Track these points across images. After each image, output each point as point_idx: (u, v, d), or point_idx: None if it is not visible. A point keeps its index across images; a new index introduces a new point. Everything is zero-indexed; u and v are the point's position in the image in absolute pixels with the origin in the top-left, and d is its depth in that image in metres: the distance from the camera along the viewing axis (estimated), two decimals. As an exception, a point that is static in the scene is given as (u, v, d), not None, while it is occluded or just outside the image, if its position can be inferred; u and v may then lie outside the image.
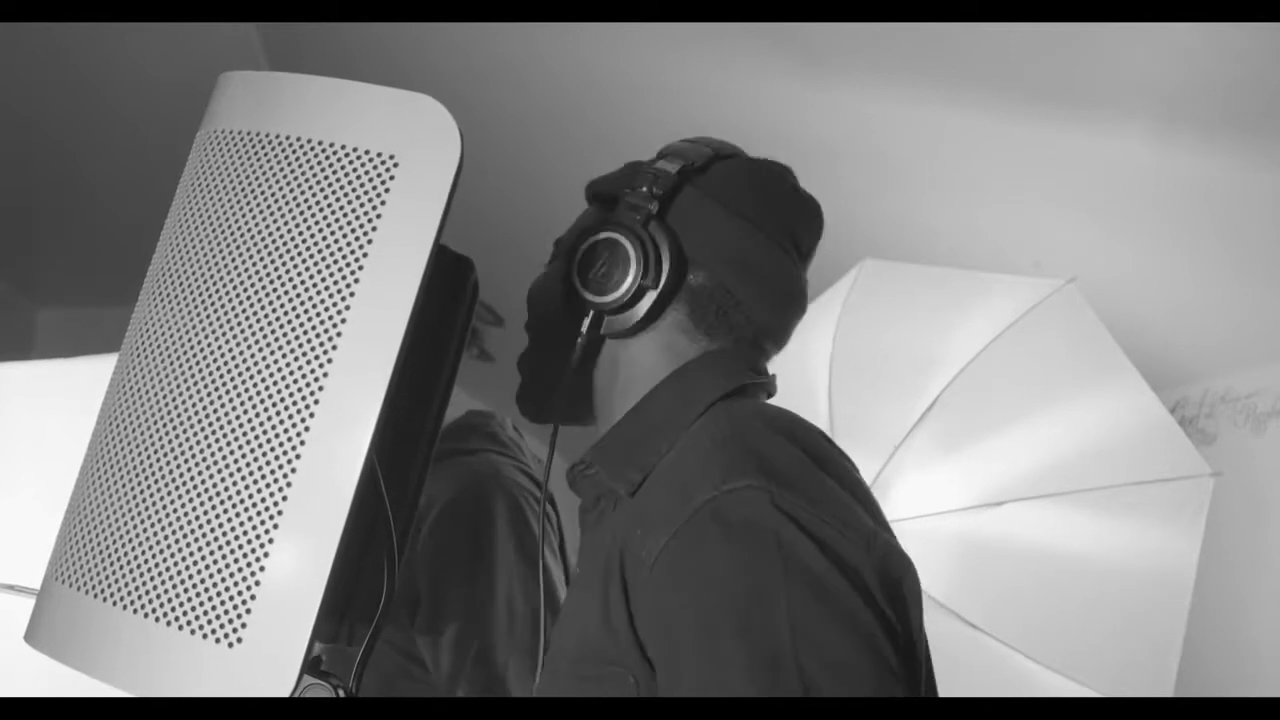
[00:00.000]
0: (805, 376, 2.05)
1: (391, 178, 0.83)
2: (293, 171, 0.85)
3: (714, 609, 0.83)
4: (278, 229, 0.85)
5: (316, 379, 0.81)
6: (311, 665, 0.82)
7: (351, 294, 0.82)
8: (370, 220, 0.83)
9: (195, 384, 0.84)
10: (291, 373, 0.82)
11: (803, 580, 0.83)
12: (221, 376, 0.83)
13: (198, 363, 0.84)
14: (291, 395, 0.81)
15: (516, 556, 1.48)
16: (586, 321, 1.00)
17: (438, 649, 1.46)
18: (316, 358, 0.81)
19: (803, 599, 0.82)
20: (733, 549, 0.84)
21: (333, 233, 0.83)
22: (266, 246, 0.85)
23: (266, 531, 0.80)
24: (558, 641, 0.97)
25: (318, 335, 0.82)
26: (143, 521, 0.83)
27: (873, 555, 0.87)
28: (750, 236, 1.03)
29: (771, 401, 1.05)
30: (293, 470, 0.80)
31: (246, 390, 0.82)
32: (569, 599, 1.00)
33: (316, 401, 0.81)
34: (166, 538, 0.82)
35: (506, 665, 1.44)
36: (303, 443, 0.80)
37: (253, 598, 0.79)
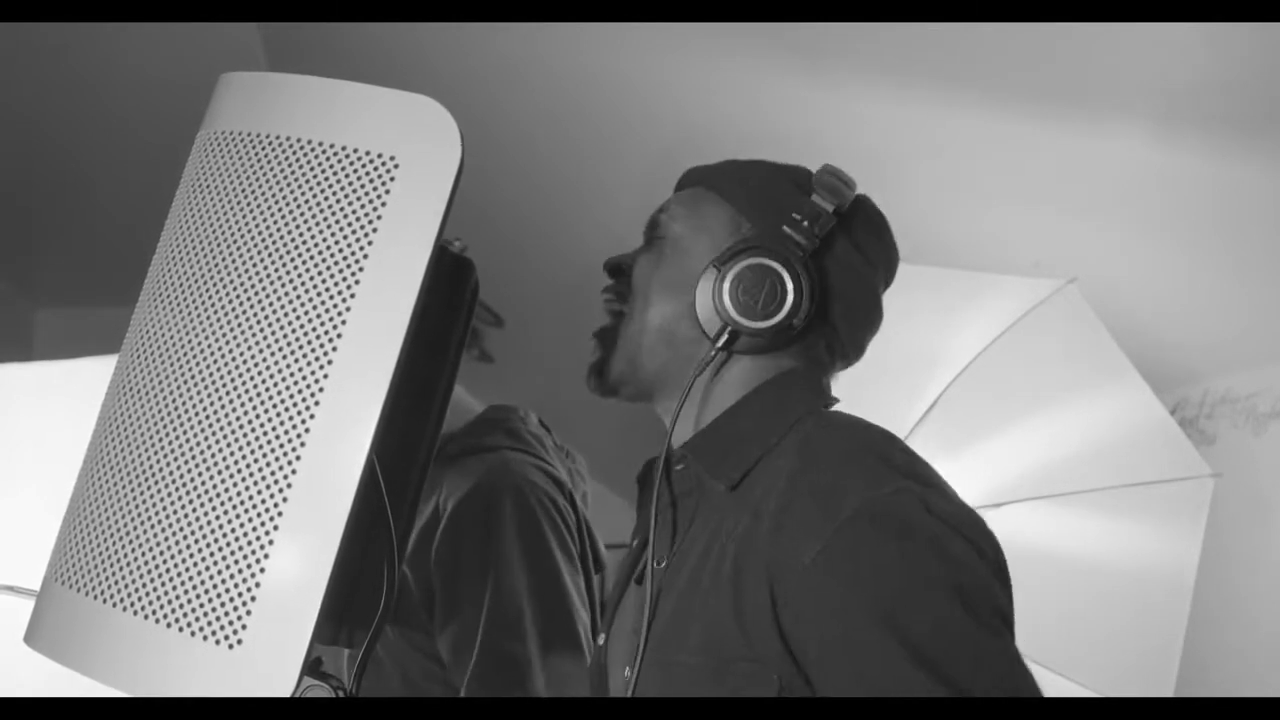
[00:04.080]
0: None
1: (392, 179, 0.83)
2: (293, 173, 0.85)
3: (874, 604, 0.88)
4: (278, 230, 0.85)
5: (317, 380, 0.81)
6: (311, 667, 0.82)
7: (352, 295, 0.82)
8: (371, 221, 0.83)
9: (195, 385, 0.84)
10: (292, 374, 0.81)
11: (958, 576, 0.89)
12: (221, 378, 0.83)
13: (198, 364, 0.84)
14: (292, 396, 0.81)
15: (524, 556, 1.47)
16: (724, 337, 1.04)
17: (453, 648, 1.46)
18: (317, 359, 0.81)
19: (970, 585, 0.89)
20: (890, 548, 0.90)
21: (333, 234, 0.83)
22: (266, 248, 0.85)
23: (267, 533, 0.80)
24: (666, 636, 0.99)
25: (318, 336, 0.82)
26: (143, 523, 0.83)
27: (999, 556, 0.95)
28: (868, 281, 1.10)
29: None
30: (293, 472, 0.80)
31: (246, 391, 0.82)
32: (674, 594, 1.01)
33: (317, 403, 0.81)
34: (166, 539, 0.82)
35: (529, 663, 1.44)
36: (303, 444, 0.80)
37: (253, 599, 0.79)
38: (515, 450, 1.56)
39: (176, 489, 0.82)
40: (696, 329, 1.06)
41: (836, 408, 1.09)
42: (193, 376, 0.84)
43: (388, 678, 1.51)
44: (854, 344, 1.12)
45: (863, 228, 1.11)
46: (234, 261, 0.85)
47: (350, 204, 0.84)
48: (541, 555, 1.48)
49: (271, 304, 0.83)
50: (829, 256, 1.07)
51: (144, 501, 0.83)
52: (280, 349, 0.82)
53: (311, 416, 0.80)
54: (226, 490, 0.81)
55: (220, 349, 0.84)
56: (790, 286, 1.04)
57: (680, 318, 1.08)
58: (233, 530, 0.80)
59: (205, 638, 0.79)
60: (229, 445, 0.82)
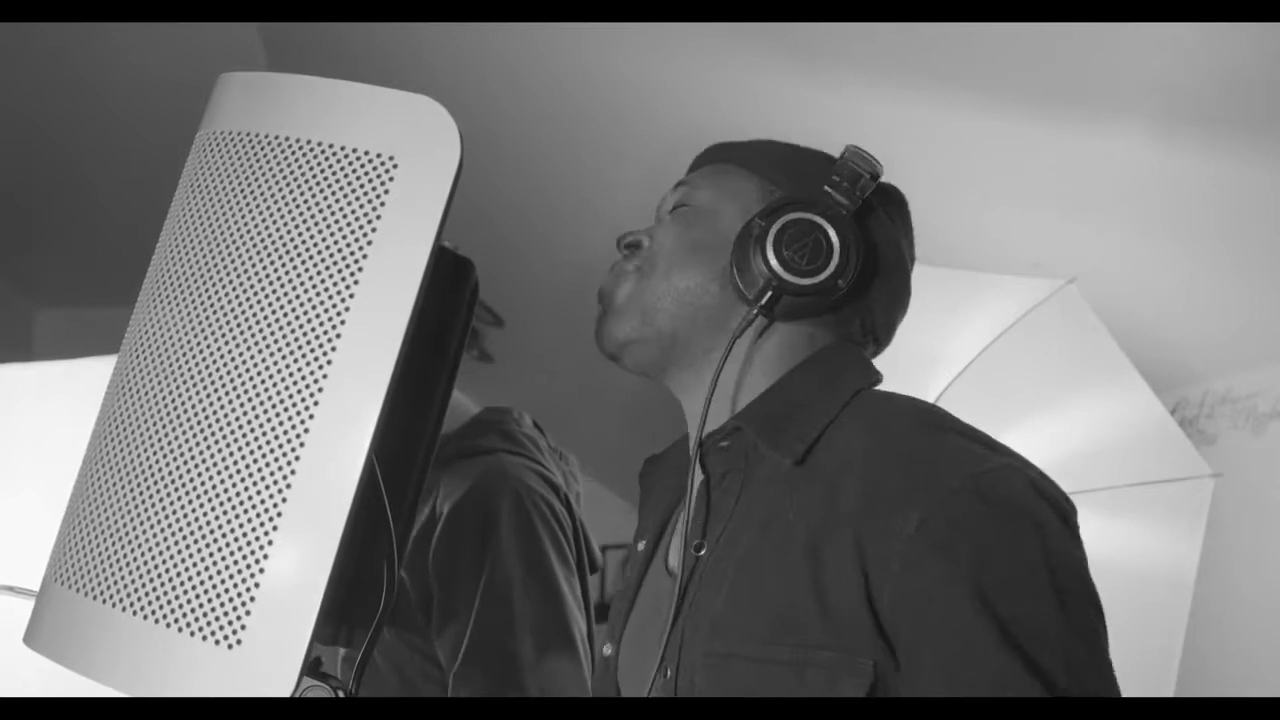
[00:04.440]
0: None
1: (391, 179, 0.83)
2: (292, 172, 0.85)
3: (974, 581, 0.84)
4: (277, 230, 0.85)
5: (316, 380, 0.81)
6: (311, 667, 0.82)
7: (351, 295, 0.82)
8: (370, 221, 0.83)
9: (194, 385, 0.84)
10: (291, 374, 0.81)
11: (1062, 559, 0.86)
12: (221, 378, 0.83)
13: (197, 364, 0.84)
14: (291, 396, 0.81)
15: (519, 558, 1.47)
16: (767, 295, 0.98)
17: (451, 650, 1.46)
18: (316, 359, 0.81)
19: (1066, 577, 0.86)
20: (995, 525, 0.85)
21: (332, 234, 0.83)
22: (266, 247, 0.84)
23: (266, 533, 0.79)
24: (725, 626, 0.92)
25: (317, 336, 0.82)
26: (142, 523, 0.83)
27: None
28: (900, 253, 1.07)
29: None
30: (292, 471, 0.80)
31: (246, 391, 0.82)
32: (725, 581, 0.93)
33: (316, 403, 0.81)
34: (166, 539, 0.82)
35: (521, 662, 1.44)
36: (302, 444, 0.80)
37: (252, 599, 0.79)
38: (511, 453, 1.56)
39: (175, 489, 0.82)
40: (729, 294, 1.01)
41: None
42: (192, 376, 0.84)
43: (383, 678, 1.51)
44: (886, 323, 1.07)
45: (893, 206, 1.07)
46: (233, 261, 0.85)
47: (349, 204, 0.84)
48: (537, 558, 1.48)
49: (271, 304, 0.83)
50: (868, 222, 1.03)
51: (143, 501, 0.83)
52: (279, 349, 0.82)
53: (311, 416, 0.80)
54: (226, 490, 0.81)
55: (219, 349, 0.84)
56: (837, 243, 0.98)
57: (710, 281, 1.01)
58: (232, 530, 0.80)
59: (205, 638, 0.79)
60: (228, 445, 0.82)
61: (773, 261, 0.98)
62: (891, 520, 0.86)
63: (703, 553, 0.97)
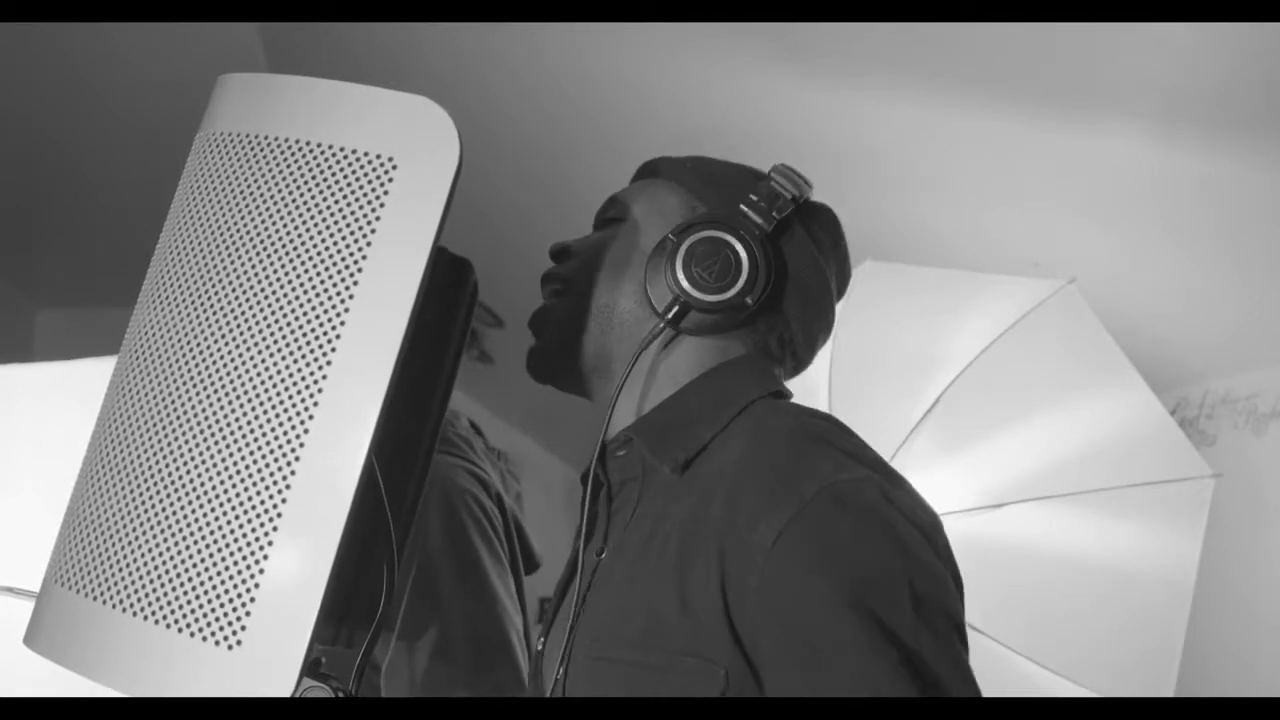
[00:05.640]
0: (805, 377, 2.04)
1: (390, 180, 0.84)
2: (292, 174, 0.85)
3: (835, 589, 0.85)
4: (277, 231, 0.85)
5: (316, 381, 0.81)
6: (311, 668, 0.82)
7: (351, 296, 0.82)
8: (369, 222, 0.83)
9: (194, 386, 0.84)
10: (291, 375, 0.82)
11: (920, 568, 0.88)
12: (221, 379, 0.83)
13: (197, 365, 0.84)
14: (291, 397, 0.81)
15: (449, 557, 1.48)
16: (674, 310, 1.01)
17: (384, 648, 1.46)
18: (316, 360, 0.81)
19: (923, 585, 0.87)
20: (858, 530, 0.88)
21: (332, 235, 0.83)
22: (265, 249, 0.85)
23: (266, 534, 0.80)
24: (602, 629, 0.95)
25: (317, 337, 0.82)
26: (142, 524, 0.83)
27: (953, 557, 0.95)
28: (822, 276, 1.08)
29: None
30: (292, 472, 0.80)
31: (246, 392, 0.82)
32: (612, 585, 0.98)
33: (316, 404, 0.81)
34: (166, 540, 0.82)
35: (457, 661, 1.44)
36: (302, 445, 0.80)
37: (252, 600, 0.79)
38: (441, 453, 1.56)
39: (176, 490, 0.82)
40: (643, 308, 1.04)
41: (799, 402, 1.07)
42: (192, 377, 0.84)
43: None
44: (806, 341, 1.09)
45: (819, 226, 1.09)
46: (233, 262, 0.85)
47: (349, 205, 0.84)
48: (467, 555, 1.48)
49: (271, 305, 0.83)
50: (786, 242, 1.05)
51: (143, 502, 0.83)
52: (279, 350, 0.82)
53: (311, 417, 0.81)
54: (226, 491, 0.81)
55: (219, 350, 0.84)
56: (746, 262, 1.01)
57: (626, 297, 1.05)
58: (232, 531, 0.80)
59: (205, 638, 0.79)
60: (228, 446, 0.82)
61: (680, 277, 1.01)
62: (751, 533, 0.88)
63: (603, 556, 1.01)
